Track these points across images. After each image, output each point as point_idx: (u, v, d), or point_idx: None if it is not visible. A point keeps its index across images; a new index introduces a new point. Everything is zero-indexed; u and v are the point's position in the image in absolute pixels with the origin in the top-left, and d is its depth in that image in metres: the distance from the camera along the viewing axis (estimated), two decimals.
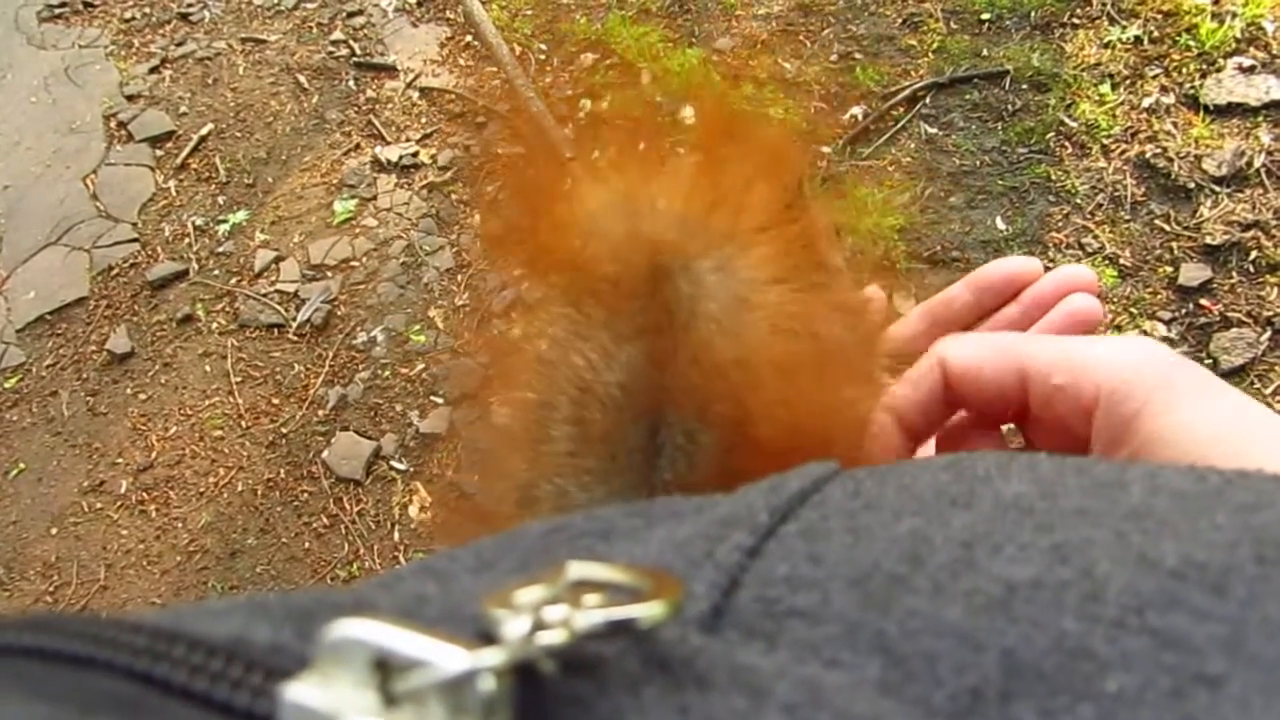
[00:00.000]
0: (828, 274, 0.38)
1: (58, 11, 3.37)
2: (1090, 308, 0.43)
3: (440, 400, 2.23)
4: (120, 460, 2.27)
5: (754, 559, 0.22)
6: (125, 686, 0.18)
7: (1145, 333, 2.02)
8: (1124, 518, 0.21)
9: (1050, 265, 2.12)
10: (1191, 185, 2.16)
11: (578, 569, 0.19)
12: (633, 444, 0.35)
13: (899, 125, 2.47)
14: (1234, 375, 1.92)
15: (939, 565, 0.20)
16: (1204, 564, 0.19)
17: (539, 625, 0.17)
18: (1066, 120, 2.36)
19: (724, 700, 0.17)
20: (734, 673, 0.18)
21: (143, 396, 2.37)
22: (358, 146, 2.79)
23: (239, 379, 2.36)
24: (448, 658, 0.16)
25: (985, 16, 2.62)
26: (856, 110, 2.52)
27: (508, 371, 0.38)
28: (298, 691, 0.16)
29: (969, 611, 0.19)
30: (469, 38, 2.99)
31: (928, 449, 0.41)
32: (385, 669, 0.16)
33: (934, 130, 2.44)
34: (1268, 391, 1.89)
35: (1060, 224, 2.21)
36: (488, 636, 0.17)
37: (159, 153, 2.89)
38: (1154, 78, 2.36)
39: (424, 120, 2.82)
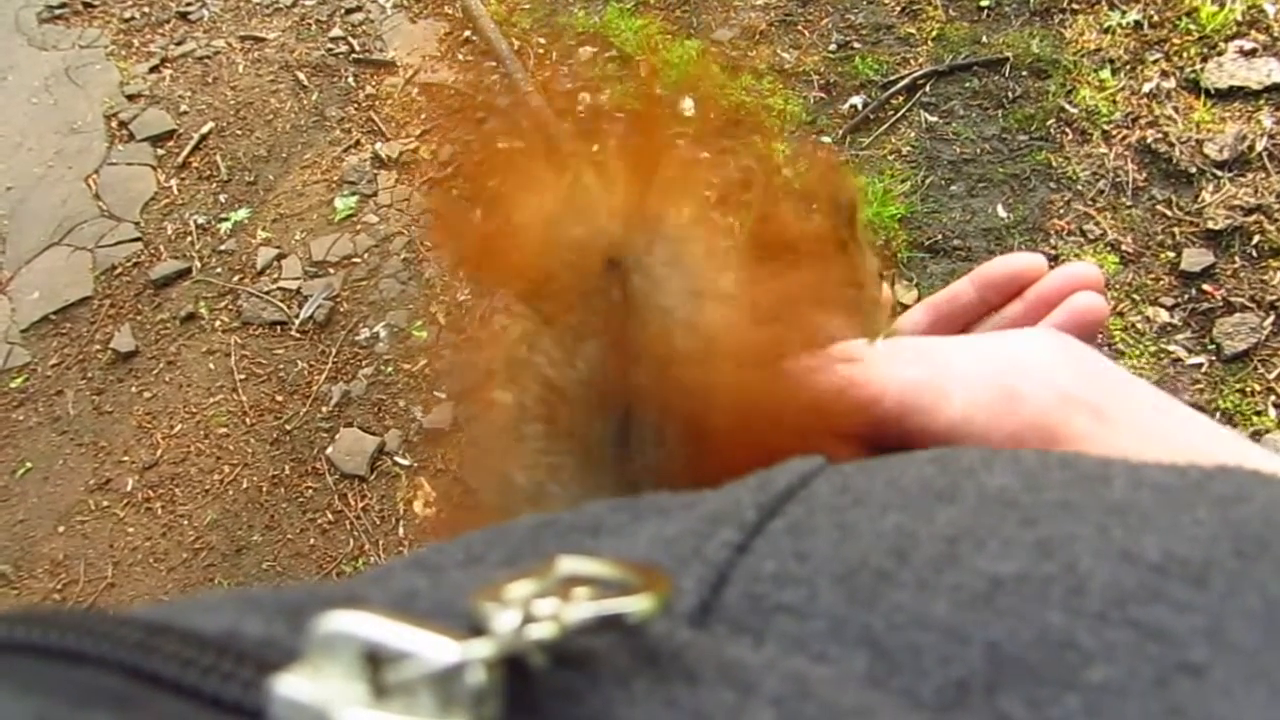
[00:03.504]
0: (798, 255, 0.37)
1: (58, 12, 3.36)
2: (1095, 305, 0.43)
3: (443, 395, 2.23)
4: (126, 458, 2.28)
5: (742, 555, 0.22)
6: (117, 681, 0.18)
7: (1148, 319, 2.01)
8: (1106, 512, 0.21)
9: (1052, 251, 2.10)
10: (1193, 170, 2.15)
11: (568, 564, 0.19)
12: (603, 439, 0.35)
13: (899, 114, 2.46)
14: (1238, 360, 1.91)
15: (924, 560, 0.21)
16: (1185, 558, 0.19)
17: (529, 618, 0.17)
18: (1067, 106, 2.35)
19: (712, 693, 0.17)
20: (722, 667, 0.18)
21: (147, 395, 2.38)
22: (358, 143, 2.79)
23: (243, 376, 2.37)
24: (438, 650, 0.16)
25: (984, 3, 2.61)
26: (856, 100, 2.51)
27: (490, 370, 0.38)
28: (288, 684, 0.16)
29: (954, 606, 0.19)
30: (467, 33, 2.99)
31: None
32: (376, 661, 0.16)
33: (934, 119, 2.43)
34: (1271, 376, 1.89)
35: (1061, 211, 2.20)
36: (478, 629, 0.17)
37: (160, 152, 2.89)
38: (1154, 62, 2.35)
39: (424, 116, 2.82)
